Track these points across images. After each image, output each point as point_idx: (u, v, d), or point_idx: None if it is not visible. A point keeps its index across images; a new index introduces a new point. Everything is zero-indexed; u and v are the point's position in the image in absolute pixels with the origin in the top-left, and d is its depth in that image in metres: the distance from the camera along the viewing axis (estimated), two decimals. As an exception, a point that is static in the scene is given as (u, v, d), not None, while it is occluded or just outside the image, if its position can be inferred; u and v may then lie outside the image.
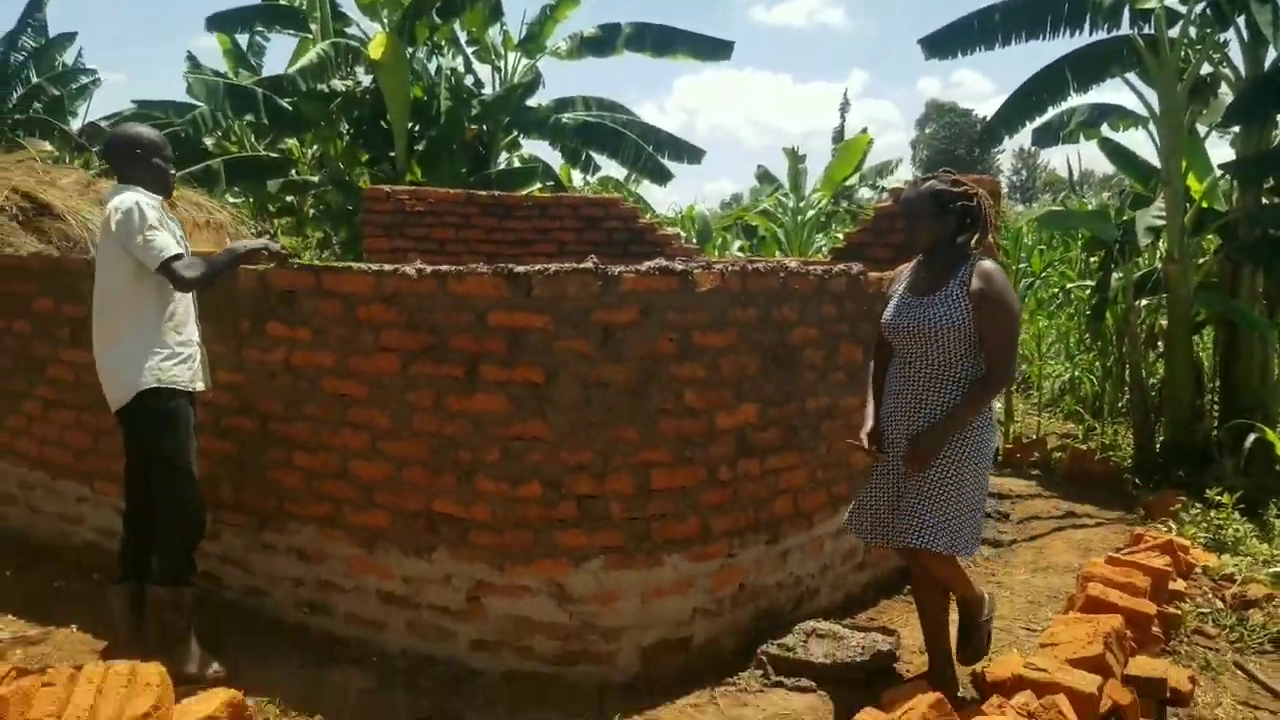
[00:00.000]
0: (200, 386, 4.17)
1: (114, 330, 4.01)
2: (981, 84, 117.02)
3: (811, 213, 14.07)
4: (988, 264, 3.62)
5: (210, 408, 4.57)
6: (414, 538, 4.13)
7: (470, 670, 4.04)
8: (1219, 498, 5.74)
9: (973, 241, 3.71)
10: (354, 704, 3.89)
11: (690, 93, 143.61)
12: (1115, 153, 8.82)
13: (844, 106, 17.08)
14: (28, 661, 4.00)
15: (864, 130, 16.07)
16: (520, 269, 3.89)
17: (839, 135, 17.57)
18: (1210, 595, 5.02)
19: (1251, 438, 6.41)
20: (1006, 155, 54.57)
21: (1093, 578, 4.50)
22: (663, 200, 54.08)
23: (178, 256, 3.86)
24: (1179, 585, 4.90)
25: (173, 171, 4.37)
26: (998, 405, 8.30)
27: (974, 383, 3.60)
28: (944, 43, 8.00)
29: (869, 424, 3.85)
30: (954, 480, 3.63)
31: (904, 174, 17.09)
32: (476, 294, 3.92)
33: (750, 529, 4.29)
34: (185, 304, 4.14)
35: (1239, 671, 4.34)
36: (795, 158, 16.14)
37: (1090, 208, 9.87)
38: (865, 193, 17.97)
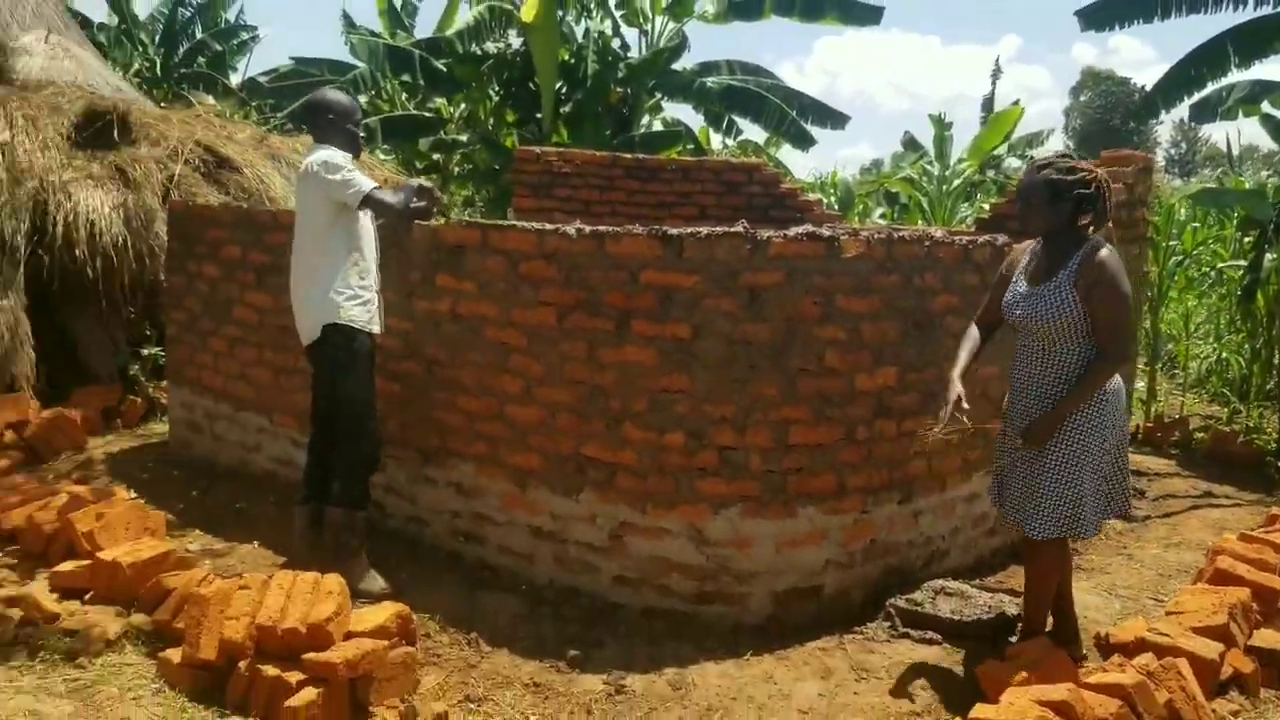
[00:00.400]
0: (376, 329, 4.54)
1: (306, 273, 4.45)
2: (1141, 50, 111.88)
3: (958, 182, 13.88)
4: (1101, 252, 3.65)
5: (382, 351, 4.95)
6: (563, 478, 4.42)
7: (612, 604, 4.33)
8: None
9: (1090, 228, 3.75)
10: (505, 626, 4.23)
11: (831, 54, 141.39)
12: (1278, 129, 8.55)
13: (995, 73, 16.82)
14: (216, 571, 4.45)
15: (1016, 101, 15.79)
16: (674, 231, 4.12)
17: (989, 104, 17.21)
18: (1350, 580, 4.96)
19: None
20: (1165, 127, 52.22)
21: (1223, 551, 4.53)
22: (804, 165, 53.42)
23: (377, 188, 4.35)
24: (1316, 568, 4.87)
25: (362, 135, 4.75)
26: (1140, 384, 8.18)
27: (1088, 366, 3.67)
28: (1102, 14, 7.85)
29: (953, 392, 3.80)
30: (1070, 465, 3.69)
31: (1054, 144, 16.63)
32: (631, 253, 4.16)
33: (884, 488, 4.45)
34: (369, 251, 4.55)
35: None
36: (941, 125, 15.92)
37: (1248, 185, 9.51)
38: (1013, 162, 17.58)
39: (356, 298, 4.42)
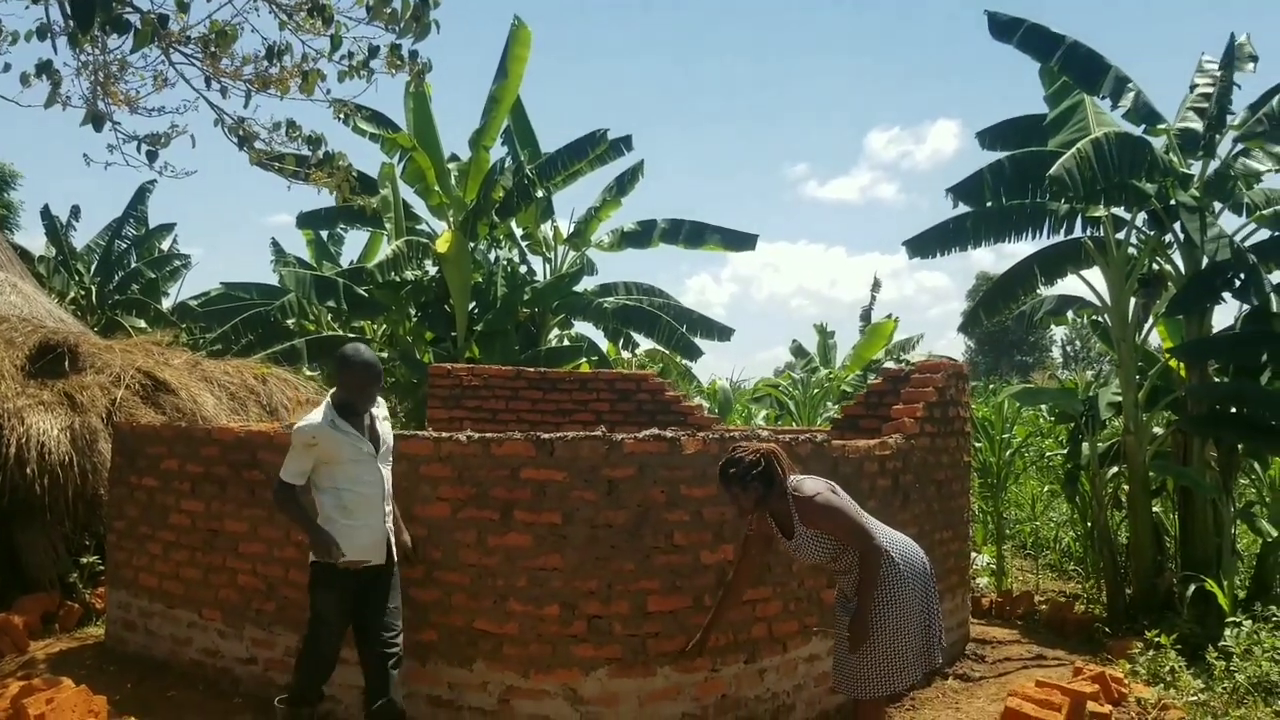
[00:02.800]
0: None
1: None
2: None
3: (818, 389, 15.26)
4: (801, 491, 4.42)
5: (300, 547, 5.73)
6: (458, 651, 5.17)
7: (500, 760, 5.01)
8: (1157, 639, 6.55)
9: (774, 493, 4.45)
10: (407, 784, 4.87)
11: (745, 264, 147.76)
12: (1104, 332, 9.90)
13: (875, 286, 18.34)
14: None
15: (889, 316, 17.44)
16: (546, 436, 5.07)
17: (867, 315, 18.89)
18: (1135, 718, 5.83)
19: (1192, 588, 7.26)
20: (1062, 329, 55.63)
21: (1015, 694, 5.40)
22: (716, 367, 55.47)
23: (284, 484, 4.88)
24: (1104, 709, 5.73)
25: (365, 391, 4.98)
26: (984, 558, 9.17)
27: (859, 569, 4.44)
28: (925, 244, 9.23)
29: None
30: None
31: (924, 349, 18.26)
32: (512, 454, 5.09)
33: (731, 649, 5.26)
34: (356, 494, 4.91)
35: (1141, 776, 5.14)
36: (824, 334, 17.46)
37: (1073, 382, 10.84)
38: (890, 365, 19.17)
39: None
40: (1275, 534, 8.15)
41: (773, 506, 4.50)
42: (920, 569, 4.59)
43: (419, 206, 16.05)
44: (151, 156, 6.64)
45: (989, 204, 8.50)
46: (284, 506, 4.93)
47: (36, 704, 5.05)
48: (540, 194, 15.02)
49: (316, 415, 4.89)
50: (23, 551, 7.62)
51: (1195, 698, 5.92)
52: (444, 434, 5.34)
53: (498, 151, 15.66)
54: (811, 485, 4.48)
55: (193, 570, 6.35)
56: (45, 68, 5.91)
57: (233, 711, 5.68)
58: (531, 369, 10.01)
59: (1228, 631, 6.49)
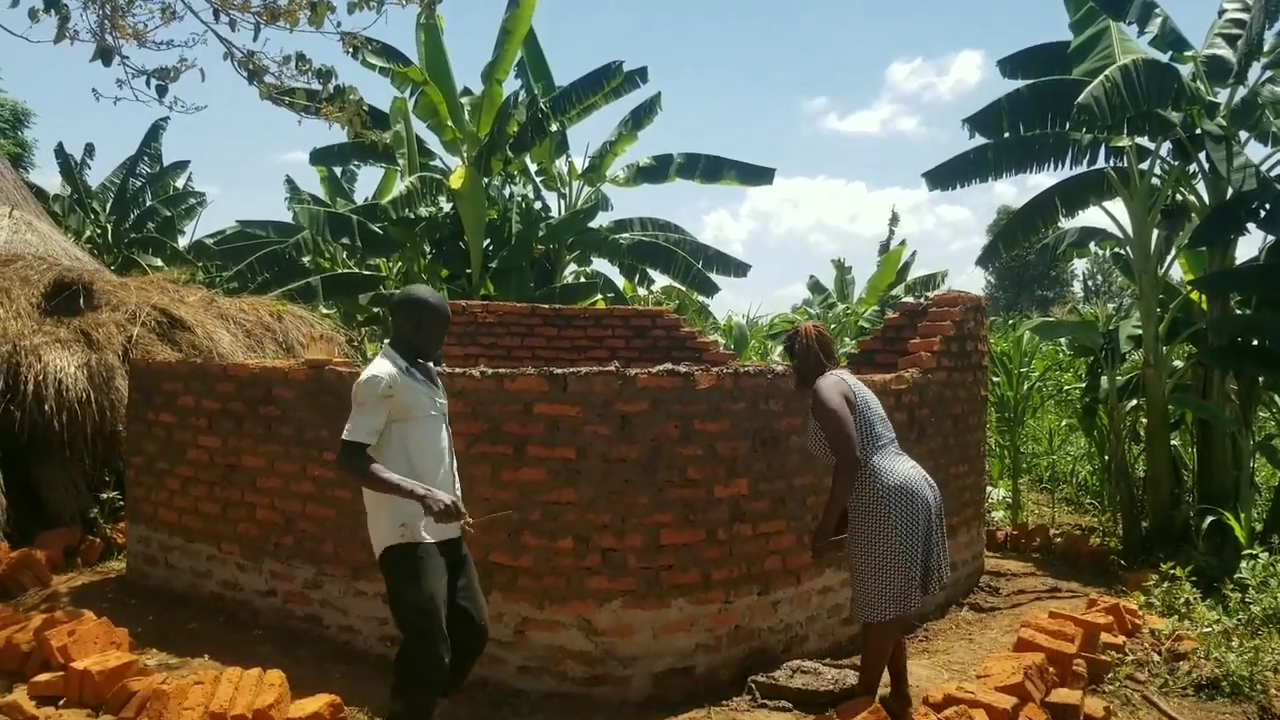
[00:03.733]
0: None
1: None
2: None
3: (835, 325, 15.15)
4: (820, 381, 4.65)
5: (317, 481, 5.79)
6: (474, 583, 5.22)
7: (516, 690, 5.07)
8: (1172, 571, 6.55)
9: (807, 371, 4.75)
10: (425, 713, 4.93)
11: (764, 200, 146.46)
12: (1125, 266, 9.78)
13: (893, 220, 18.17)
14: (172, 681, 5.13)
15: (902, 242, 17.27)
16: (558, 370, 5.05)
17: (885, 249, 18.67)
18: (1149, 649, 5.85)
19: (1207, 520, 7.24)
20: (1084, 260, 55.26)
21: (1028, 625, 5.42)
22: (734, 304, 55.45)
23: (353, 445, 3.98)
24: (1118, 640, 5.75)
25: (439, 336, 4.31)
26: (1000, 492, 9.19)
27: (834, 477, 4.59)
28: (945, 176, 9.11)
29: None
30: (866, 563, 4.60)
31: (948, 285, 18.10)
32: (525, 389, 5.09)
33: (744, 581, 5.29)
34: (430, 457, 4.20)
35: (1153, 707, 5.17)
36: (842, 268, 17.33)
37: (1095, 316, 10.74)
38: (908, 299, 19.04)
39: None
40: (1294, 467, 8.11)
41: (803, 387, 4.81)
42: (928, 501, 4.63)
43: (432, 142, 15.93)
44: (161, 91, 6.58)
45: (1006, 134, 8.34)
46: (359, 471, 3.96)
47: (59, 636, 5.14)
48: (554, 128, 14.85)
49: (385, 363, 4.08)
50: (43, 487, 7.71)
51: (1210, 629, 5.92)
52: (457, 369, 5.33)
53: (511, 85, 15.45)
54: (829, 381, 4.66)
55: (211, 505, 6.42)
56: (53, 2, 5.84)
57: (252, 643, 5.76)
58: (546, 306, 9.98)
59: (1244, 564, 6.48)
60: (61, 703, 4.90)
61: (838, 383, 4.66)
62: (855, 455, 4.50)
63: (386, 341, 4.31)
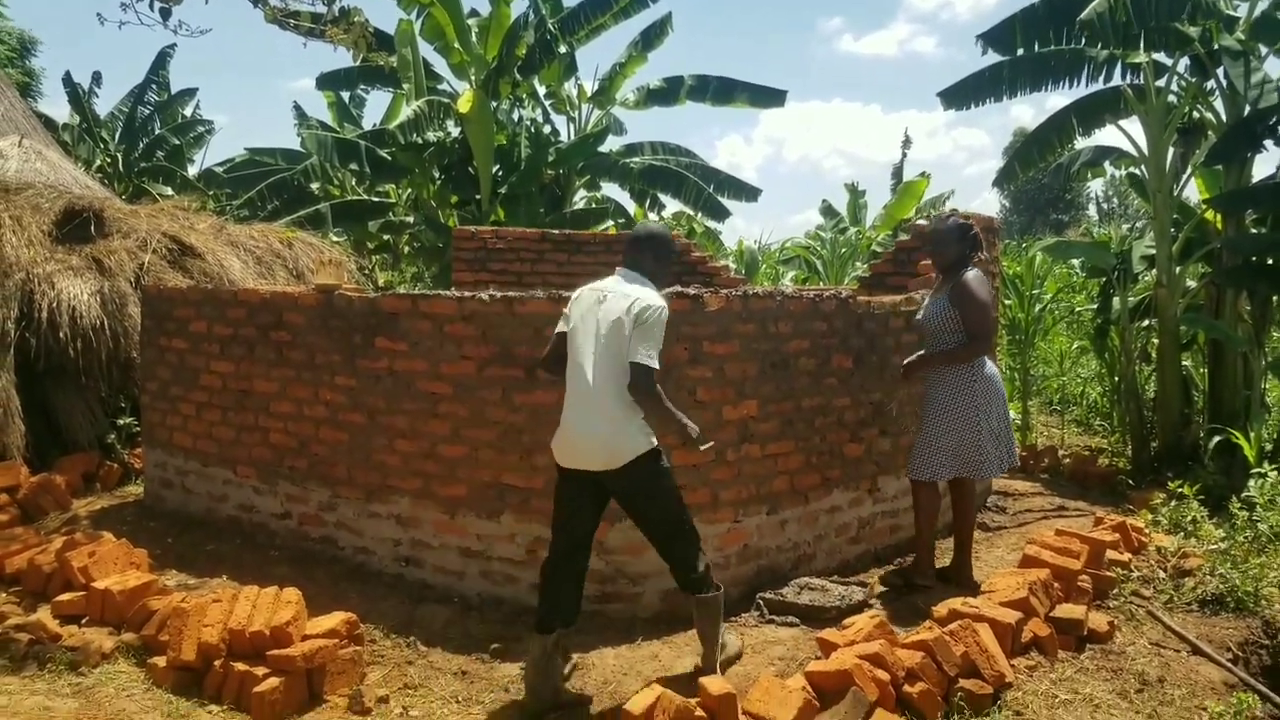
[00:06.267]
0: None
1: (605, 401, 4.20)
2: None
3: (846, 249, 15.06)
4: (966, 274, 5.24)
5: (329, 405, 5.84)
6: (486, 504, 5.29)
7: (529, 607, 5.14)
8: (1180, 490, 6.58)
9: (978, 256, 5.36)
10: (439, 630, 5.03)
11: (778, 124, 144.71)
12: (1139, 185, 9.67)
13: (905, 144, 18.05)
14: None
15: (922, 173, 17.04)
16: (567, 294, 5.05)
17: (898, 172, 18.48)
18: (1155, 566, 5.91)
19: (1215, 440, 7.26)
20: (1099, 183, 54.69)
21: (1034, 542, 5.48)
22: (747, 231, 55.15)
23: (653, 370, 4.13)
24: (1124, 557, 5.81)
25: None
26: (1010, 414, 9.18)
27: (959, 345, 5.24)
28: (960, 95, 8.98)
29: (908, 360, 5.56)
30: (938, 425, 5.30)
31: (954, 205, 17.93)
32: (535, 313, 5.10)
33: (753, 501, 5.35)
34: None
35: (1157, 621, 5.24)
36: (855, 193, 17.17)
37: (1109, 237, 10.65)
38: (921, 221, 18.88)
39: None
40: (1307, 386, 8.10)
41: (952, 273, 5.32)
42: (1004, 398, 5.47)
43: (439, 65, 15.70)
44: (165, 14, 6.51)
45: (1020, 51, 8.20)
46: (658, 396, 4.15)
47: (79, 557, 5.25)
48: (563, 50, 14.63)
49: (657, 295, 4.32)
50: (61, 414, 7.80)
51: (1216, 546, 5.98)
52: (467, 293, 5.34)
53: (519, 6, 15.29)
54: (980, 275, 5.33)
55: (225, 429, 6.49)
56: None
57: (269, 564, 5.87)
58: (557, 231, 9.94)
59: (1252, 482, 6.51)
60: (84, 621, 5.04)
61: (986, 279, 5.35)
62: (989, 344, 5.32)
63: (626, 271, 4.45)
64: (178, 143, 20.21)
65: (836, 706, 3.90)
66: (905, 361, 5.51)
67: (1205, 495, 6.77)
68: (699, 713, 3.87)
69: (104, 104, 20.98)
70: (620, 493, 4.34)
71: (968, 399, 5.26)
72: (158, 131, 20.19)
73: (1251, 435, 7.37)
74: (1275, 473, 6.53)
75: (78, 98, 19.82)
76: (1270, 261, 8.06)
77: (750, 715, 3.91)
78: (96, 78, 20.99)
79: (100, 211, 8.48)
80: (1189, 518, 6.45)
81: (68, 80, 19.94)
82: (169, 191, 17.45)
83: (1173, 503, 6.64)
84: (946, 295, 5.29)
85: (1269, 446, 7.59)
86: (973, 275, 5.27)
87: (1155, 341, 8.55)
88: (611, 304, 4.30)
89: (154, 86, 20.89)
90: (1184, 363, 8.53)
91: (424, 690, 4.54)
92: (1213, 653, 4.93)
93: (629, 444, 4.19)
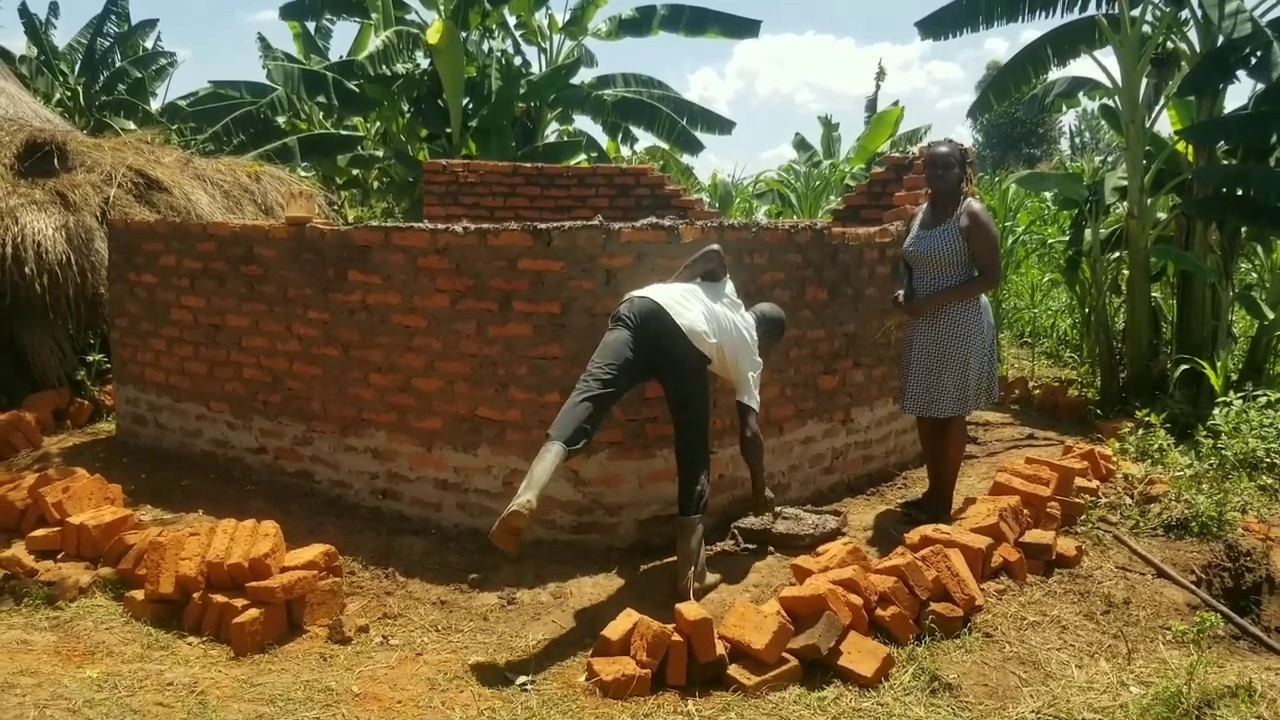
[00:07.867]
0: None
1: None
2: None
3: (820, 181, 15.03)
4: (974, 203, 5.25)
5: (302, 340, 5.80)
6: (462, 437, 5.30)
7: (506, 538, 5.20)
8: (1147, 418, 6.69)
9: (966, 187, 5.36)
10: (417, 561, 5.06)
11: (750, 58, 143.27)
12: (1112, 117, 9.67)
13: (879, 75, 17.96)
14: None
15: (895, 103, 16.93)
16: (542, 225, 5.02)
17: (872, 105, 18.33)
18: (1122, 493, 6.02)
19: (1181, 369, 7.37)
20: (1070, 116, 54.60)
21: (1004, 470, 5.56)
22: (720, 166, 54.84)
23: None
24: (1092, 484, 5.91)
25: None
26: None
27: (969, 279, 5.26)
28: (937, 24, 8.92)
29: (901, 292, 5.44)
30: (960, 359, 5.29)
31: (931, 139, 17.88)
32: (509, 245, 5.06)
33: (727, 432, 5.37)
34: None
35: (1123, 546, 5.35)
36: (829, 126, 17.07)
37: (1081, 169, 10.69)
38: (895, 154, 18.82)
39: None
40: (1273, 316, 8.19)
41: (947, 201, 5.30)
42: (992, 319, 5.54)
43: (407, -6, 15.39)
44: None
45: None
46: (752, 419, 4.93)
47: (53, 492, 5.23)
48: (534, -22, 14.38)
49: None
50: (29, 351, 7.71)
51: (1181, 473, 6.09)
52: (441, 226, 5.29)
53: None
54: (984, 207, 5.33)
55: (198, 365, 6.45)
56: None
57: (245, 498, 5.87)
58: (529, 165, 9.84)
59: (1217, 410, 6.62)
60: (60, 556, 5.03)
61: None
62: (999, 276, 5.49)
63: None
64: (139, 76, 19.70)
65: (811, 630, 3.97)
66: (916, 299, 5.36)
67: (1172, 424, 6.88)
68: (675, 638, 3.92)
69: (62, 36, 20.50)
70: (687, 374, 4.72)
71: (980, 331, 5.33)
72: (118, 64, 19.66)
73: (1218, 365, 7.48)
74: (1240, 401, 6.64)
75: (34, 29, 19.25)
76: (1240, 193, 8.11)
77: (726, 640, 3.98)
78: (54, 8, 20.38)
79: (63, 145, 8.32)
80: (1156, 446, 6.56)
81: (24, 10, 19.34)
82: (131, 126, 17.06)
83: (1140, 431, 6.74)
84: (956, 226, 5.20)
85: (1234, 376, 7.71)
86: (981, 207, 5.27)
87: (1125, 273, 8.62)
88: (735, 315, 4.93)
89: (113, 17, 20.31)
90: (1153, 294, 8.61)
91: (403, 620, 4.57)
92: (1177, 575, 5.04)
93: (709, 342, 4.66)
